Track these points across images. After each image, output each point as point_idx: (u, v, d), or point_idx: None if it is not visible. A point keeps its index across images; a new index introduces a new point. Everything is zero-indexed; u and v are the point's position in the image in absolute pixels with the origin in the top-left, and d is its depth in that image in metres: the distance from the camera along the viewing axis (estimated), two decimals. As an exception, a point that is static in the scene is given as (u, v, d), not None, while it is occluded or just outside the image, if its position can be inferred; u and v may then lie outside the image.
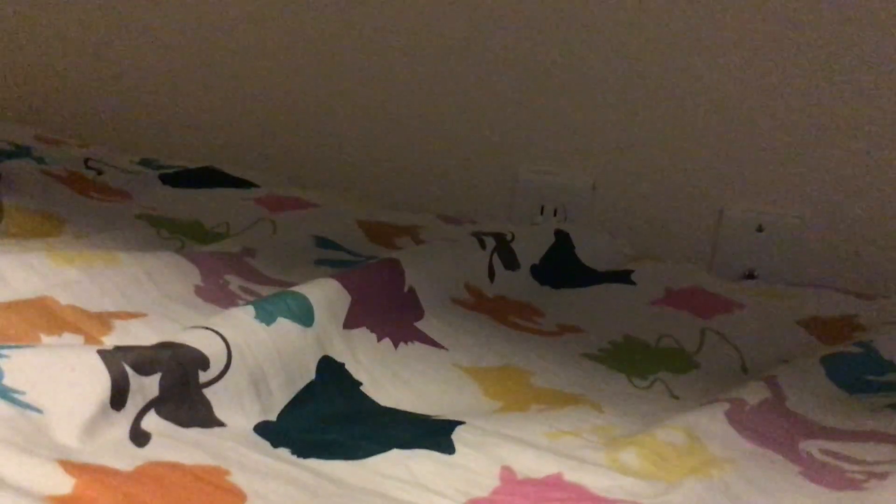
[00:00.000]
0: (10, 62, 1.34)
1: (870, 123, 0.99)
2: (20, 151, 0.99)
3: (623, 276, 0.89)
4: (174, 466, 0.49)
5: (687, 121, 1.05)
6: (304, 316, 0.62)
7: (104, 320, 0.62)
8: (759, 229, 1.06)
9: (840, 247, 1.03)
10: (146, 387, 0.52)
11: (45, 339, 0.58)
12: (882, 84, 0.97)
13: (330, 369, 0.62)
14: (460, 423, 0.57)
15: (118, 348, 0.52)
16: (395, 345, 0.67)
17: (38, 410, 0.48)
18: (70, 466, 0.45)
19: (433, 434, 0.56)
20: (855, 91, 0.98)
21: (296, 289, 0.65)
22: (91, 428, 0.49)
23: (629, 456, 0.55)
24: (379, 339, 0.67)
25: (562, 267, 0.88)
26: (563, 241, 0.91)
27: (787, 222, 1.04)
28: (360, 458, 0.53)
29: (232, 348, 0.56)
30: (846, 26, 0.97)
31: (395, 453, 0.54)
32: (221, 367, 0.56)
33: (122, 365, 0.51)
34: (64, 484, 0.44)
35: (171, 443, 0.51)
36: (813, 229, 1.04)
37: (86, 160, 1.01)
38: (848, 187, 1.01)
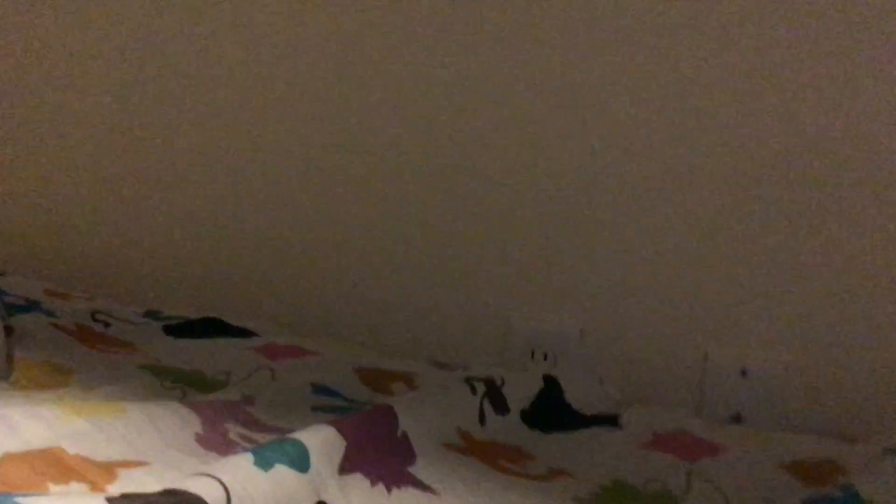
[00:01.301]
0: (19, 219, 1.40)
1: (853, 271, 1.03)
2: (31, 305, 1.03)
3: (611, 420, 0.92)
4: None
5: (671, 267, 1.09)
6: (301, 462, 0.64)
7: (109, 469, 0.64)
8: (744, 373, 1.08)
9: (823, 391, 1.05)
10: None
11: (53, 487, 0.60)
12: (868, 229, 1.02)
13: (326, 514, 0.64)
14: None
15: (124, 496, 0.55)
16: (389, 490, 0.69)
17: None
18: None
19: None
20: (837, 236, 1.03)
21: (293, 435, 0.67)
22: None
23: None
24: (373, 485, 0.69)
25: (551, 411, 0.91)
26: (551, 386, 0.94)
27: (770, 367, 1.07)
28: None
29: (231, 494, 0.58)
30: (824, 165, 1.03)
31: None
32: None
33: None
34: None
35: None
36: (796, 374, 1.06)
37: (93, 313, 1.05)
38: (831, 333, 1.04)
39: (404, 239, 1.20)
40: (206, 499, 0.57)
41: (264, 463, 0.62)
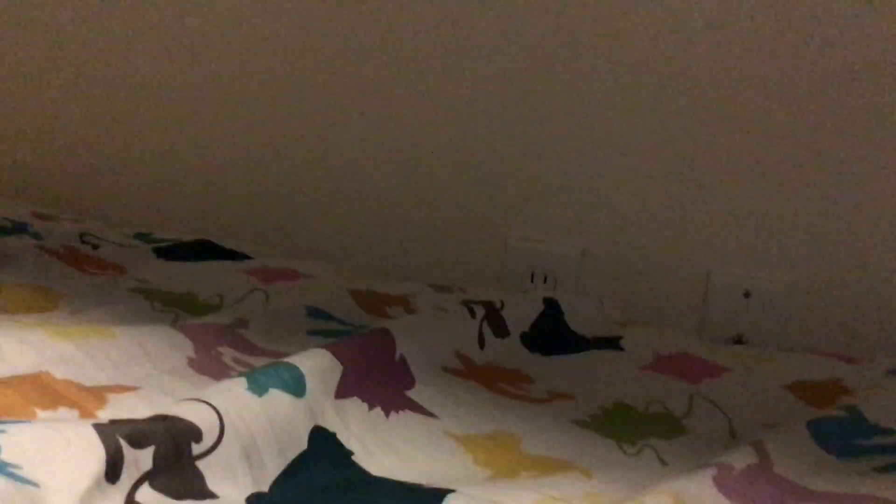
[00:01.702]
0: (4, 140, 1.37)
1: (856, 190, 1.01)
2: (17, 227, 1.00)
3: (612, 343, 0.90)
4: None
5: (673, 188, 1.07)
6: (296, 386, 0.63)
7: (99, 394, 0.62)
8: (747, 295, 1.07)
9: (826, 312, 1.04)
10: (140, 460, 0.53)
11: (41, 413, 0.59)
12: (870, 151, 1.00)
13: (322, 439, 0.63)
14: (451, 491, 0.58)
15: (113, 422, 0.53)
16: (387, 414, 0.68)
17: (35, 484, 0.48)
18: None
19: (425, 503, 0.57)
20: (841, 158, 1.01)
21: (288, 359, 0.66)
22: (87, 501, 0.49)
23: (619, 523, 0.56)
24: (370, 409, 0.67)
25: (551, 334, 0.89)
26: (552, 309, 0.93)
27: (773, 288, 1.06)
28: None
29: (224, 420, 0.57)
30: (824, 100, 1.00)
31: (388, 522, 0.55)
32: (214, 438, 0.56)
33: (117, 438, 0.52)
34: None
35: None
36: (799, 294, 1.05)
37: (81, 235, 1.03)
38: (834, 253, 1.03)
39: (400, 160, 1.17)
40: (198, 424, 0.56)
41: (258, 387, 0.61)
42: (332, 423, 0.64)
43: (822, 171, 1.02)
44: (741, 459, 0.64)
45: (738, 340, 1.07)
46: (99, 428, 0.52)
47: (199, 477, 0.55)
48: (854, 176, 1.01)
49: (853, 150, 1.00)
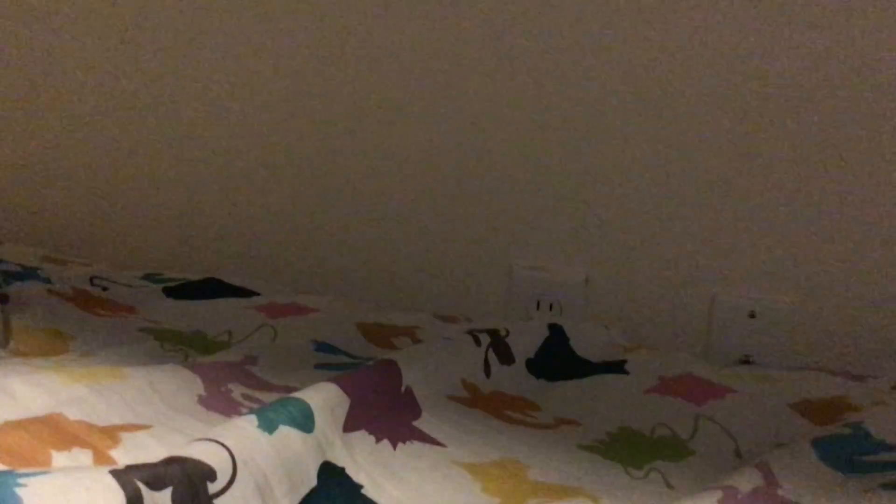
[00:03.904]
0: (15, 185, 1.39)
1: (861, 210, 1.02)
2: (28, 272, 1.02)
3: (617, 367, 0.91)
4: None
5: (677, 210, 1.08)
6: (305, 422, 0.64)
7: (111, 434, 0.64)
8: (752, 315, 1.08)
9: (832, 330, 1.05)
10: (159, 501, 0.54)
11: (56, 454, 0.60)
12: (875, 168, 1.00)
13: (331, 474, 0.63)
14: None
15: (129, 467, 0.54)
16: (394, 445, 0.69)
17: None
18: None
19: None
20: (845, 178, 1.02)
21: (296, 395, 0.67)
22: None
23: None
24: (378, 441, 0.68)
25: (557, 360, 0.90)
26: (557, 335, 0.93)
27: (779, 307, 1.06)
28: None
29: (237, 458, 0.58)
30: (831, 108, 1.01)
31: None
32: (228, 477, 0.57)
33: (135, 482, 0.53)
34: None
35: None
36: (805, 313, 1.06)
37: (91, 278, 1.04)
38: (839, 272, 1.03)
39: (404, 192, 1.18)
40: (212, 464, 0.57)
41: (268, 425, 0.62)
42: (340, 458, 0.65)
43: (826, 191, 1.02)
44: (746, 482, 0.65)
45: (745, 361, 1.08)
46: (116, 473, 0.53)
47: None
48: (859, 195, 1.01)
49: (857, 170, 1.01)
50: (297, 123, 1.22)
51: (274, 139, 1.23)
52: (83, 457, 0.60)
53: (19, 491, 0.50)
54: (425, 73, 1.14)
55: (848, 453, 0.72)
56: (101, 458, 0.60)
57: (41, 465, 0.58)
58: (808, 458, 0.71)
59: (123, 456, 0.61)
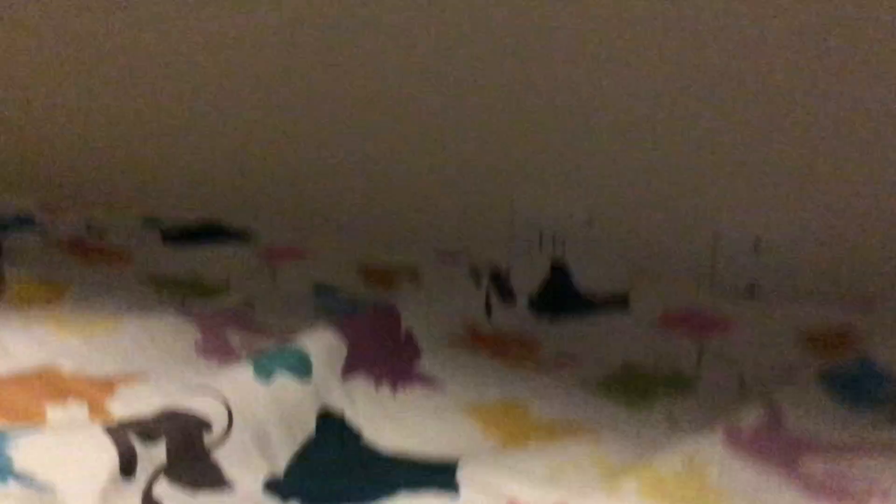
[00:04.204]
0: (9, 130, 1.37)
1: (866, 134, 0.99)
2: (23, 220, 1.01)
3: (620, 302, 0.90)
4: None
5: (679, 141, 1.06)
6: (302, 369, 0.63)
7: (107, 384, 0.63)
8: (757, 245, 1.06)
9: (839, 258, 1.03)
10: (153, 455, 0.53)
11: (51, 407, 0.59)
12: (879, 93, 0.98)
13: (330, 420, 0.63)
14: (463, 461, 0.58)
15: (122, 422, 0.54)
16: (394, 389, 0.68)
17: (52, 490, 0.49)
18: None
19: (437, 475, 0.58)
20: (849, 101, 0.99)
21: (293, 341, 0.66)
22: (104, 499, 0.50)
23: (629, 486, 0.56)
24: (377, 385, 0.68)
25: (559, 297, 0.89)
26: (559, 272, 0.92)
27: (783, 237, 1.05)
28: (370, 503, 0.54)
29: (232, 409, 0.58)
30: (838, 35, 0.98)
31: (402, 497, 0.55)
32: (223, 428, 0.57)
33: (127, 436, 0.53)
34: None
35: (184, 509, 0.52)
36: (810, 242, 1.04)
37: (87, 225, 1.03)
38: (843, 199, 1.01)
39: (404, 129, 1.16)
40: (207, 415, 0.56)
41: (264, 373, 0.61)
42: (339, 403, 0.64)
43: (830, 117, 1.00)
44: (751, 416, 0.64)
45: (751, 291, 1.06)
46: (109, 430, 0.52)
47: (215, 467, 0.56)
48: (864, 119, 0.99)
49: (861, 94, 0.98)
50: (295, 59, 1.19)
51: (271, 77, 1.20)
52: (78, 409, 0.60)
53: (11, 452, 0.49)
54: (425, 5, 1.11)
55: (854, 385, 0.71)
56: (96, 409, 0.60)
57: (35, 418, 0.58)
58: (813, 390, 0.70)
59: (119, 407, 0.61)
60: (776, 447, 0.61)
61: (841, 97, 0.99)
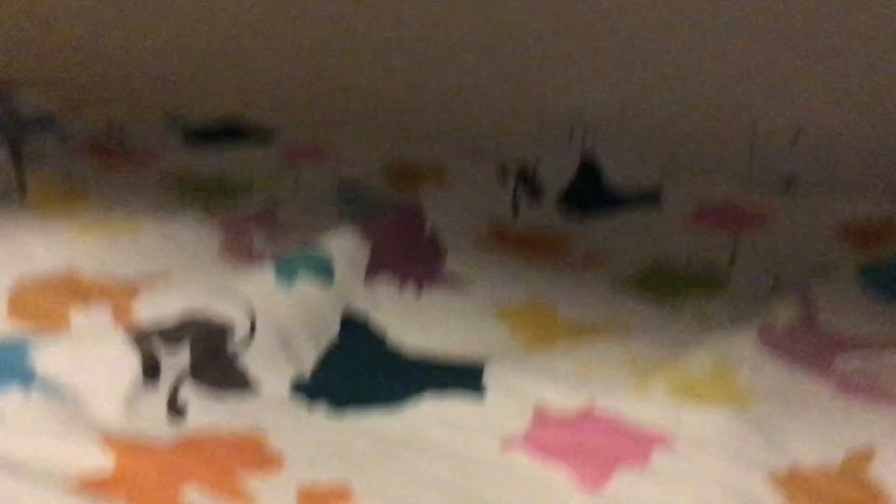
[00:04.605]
0: (30, 26, 1.35)
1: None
2: (44, 121, 1.00)
3: (652, 197, 0.88)
4: (213, 435, 0.50)
5: (714, 28, 1.01)
6: (325, 270, 0.63)
7: (130, 287, 0.63)
8: (796, 136, 1.03)
9: (879, 150, 1.00)
10: (177, 360, 0.53)
11: (74, 310, 0.59)
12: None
13: (354, 322, 0.62)
14: (489, 363, 0.58)
15: (143, 329, 0.54)
16: (419, 289, 0.67)
17: (74, 397, 0.49)
18: (111, 443, 0.47)
19: (464, 376, 0.57)
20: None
21: (315, 243, 0.65)
22: (129, 404, 0.50)
23: (658, 385, 0.55)
24: (401, 285, 0.67)
25: (588, 194, 0.87)
26: (589, 167, 0.90)
27: (824, 128, 1.01)
28: (396, 406, 0.54)
29: (255, 312, 0.57)
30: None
31: (428, 398, 0.55)
32: (247, 331, 0.56)
33: (150, 342, 0.52)
34: (105, 462, 0.46)
35: (209, 411, 0.52)
36: (852, 131, 1.00)
37: (109, 125, 1.02)
38: (885, 88, 0.97)
39: (429, 20, 1.12)
40: (230, 318, 0.56)
41: (287, 277, 0.61)
42: (362, 305, 0.64)
43: (871, 6, 0.95)
44: (785, 312, 0.63)
45: (790, 183, 1.03)
46: (131, 335, 0.52)
47: (240, 370, 0.56)
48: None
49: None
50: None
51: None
52: (101, 312, 0.60)
53: (33, 361, 0.49)
54: None
55: (893, 279, 0.69)
56: (120, 312, 0.60)
57: (59, 322, 0.58)
58: (849, 285, 0.69)
59: (143, 309, 0.60)
60: (810, 346, 0.60)
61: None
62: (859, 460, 0.50)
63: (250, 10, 1.20)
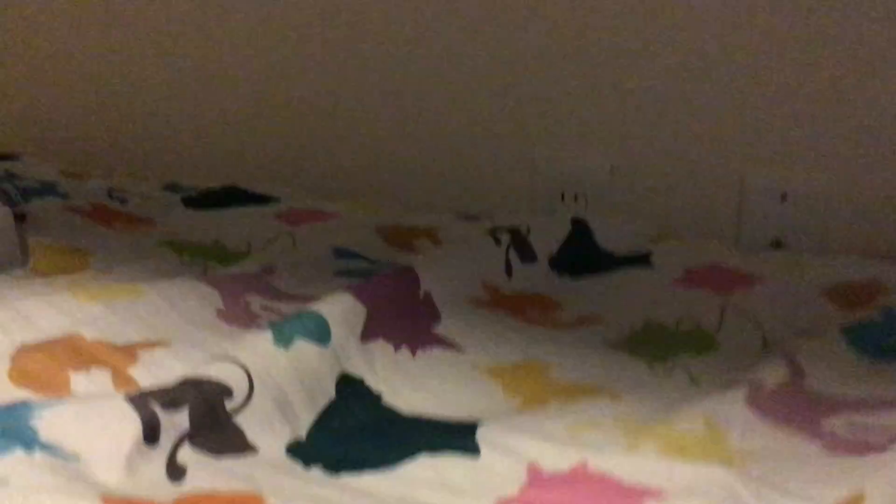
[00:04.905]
0: (32, 97, 1.37)
1: (894, 86, 0.97)
2: (46, 188, 1.02)
3: (642, 259, 0.89)
4: (211, 496, 0.51)
5: (703, 91, 1.04)
6: (321, 334, 0.64)
7: (129, 352, 0.64)
8: (784, 197, 1.04)
9: (867, 211, 1.01)
10: (176, 421, 0.54)
11: (74, 375, 0.60)
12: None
13: (349, 385, 0.63)
14: (482, 423, 0.58)
15: (144, 391, 0.54)
16: (413, 352, 0.68)
17: (76, 459, 0.50)
18: (112, 502, 0.47)
19: (457, 437, 0.58)
20: (879, 53, 0.96)
21: (312, 307, 0.66)
22: (129, 466, 0.51)
23: (649, 446, 0.56)
24: (396, 349, 0.68)
25: (580, 255, 0.89)
26: (580, 229, 0.92)
27: (811, 189, 1.03)
28: (390, 467, 0.55)
29: (253, 375, 0.58)
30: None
31: (422, 459, 0.56)
32: (245, 394, 0.57)
33: (150, 404, 0.53)
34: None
35: (207, 473, 0.53)
36: (838, 194, 1.02)
37: (110, 191, 1.04)
38: (873, 150, 0.99)
39: (421, 87, 1.15)
40: (228, 382, 0.57)
41: (284, 339, 0.62)
42: (358, 368, 0.65)
43: (859, 67, 0.97)
44: (773, 375, 0.64)
45: (777, 245, 1.05)
46: (130, 397, 0.53)
47: (238, 432, 0.56)
48: (893, 71, 0.97)
49: (892, 46, 0.96)
50: (313, 24, 1.18)
51: (290, 41, 1.20)
52: (102, 377, 0.61)
53: (36, 423, 0.50)
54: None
55: (878, 339, 0.71)
56: (119, 377, 0.61)
57: (59, 387, 0.59)
58: (836, 345, 0.70)
59: (142, 374, 0.61)
60: (798, 407, 0.61)
61: (871, 47, 0.97)
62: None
63: (248, 83, 1.23)
